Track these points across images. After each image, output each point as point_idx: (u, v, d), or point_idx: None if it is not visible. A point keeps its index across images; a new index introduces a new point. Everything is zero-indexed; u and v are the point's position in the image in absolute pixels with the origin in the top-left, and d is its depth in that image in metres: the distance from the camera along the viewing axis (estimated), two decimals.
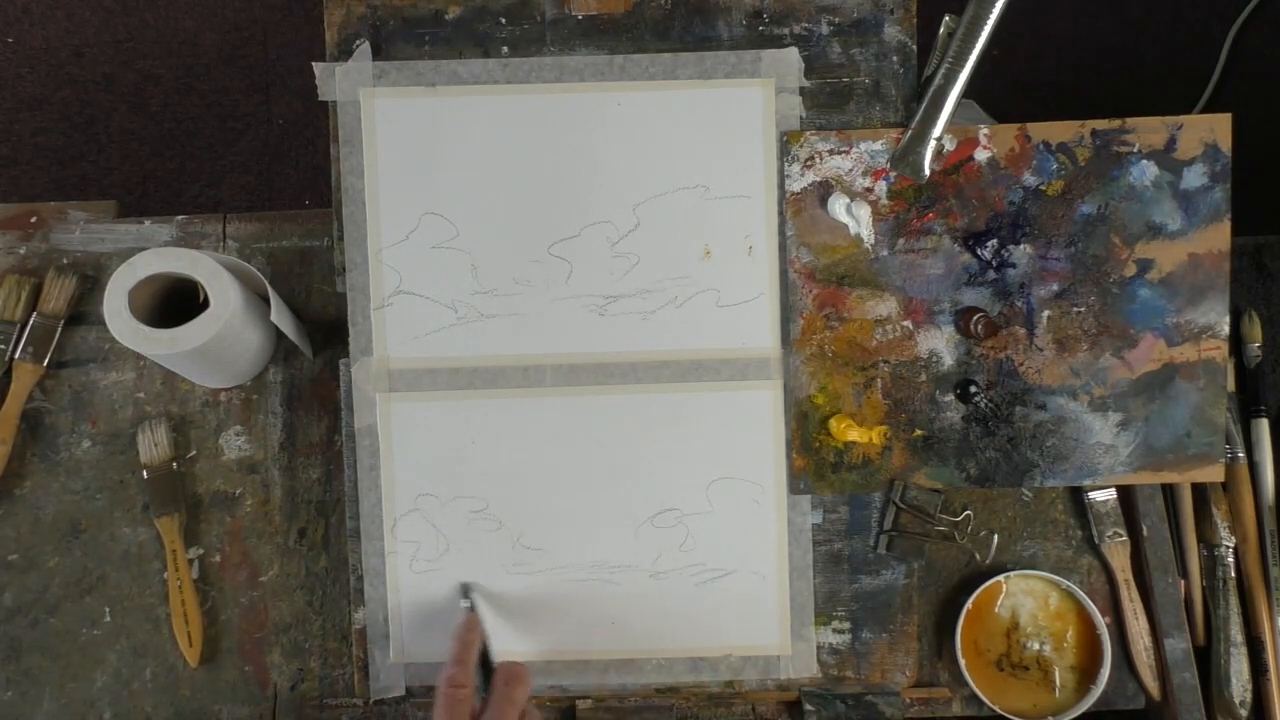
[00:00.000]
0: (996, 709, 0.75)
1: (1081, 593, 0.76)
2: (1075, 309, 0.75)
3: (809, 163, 0.76)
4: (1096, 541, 0.78)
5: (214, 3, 1.64)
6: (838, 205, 0.75)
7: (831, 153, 0.76)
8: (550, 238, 0.76)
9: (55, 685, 0.77)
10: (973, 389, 0.75)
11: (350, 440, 0.76)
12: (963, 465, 0.76)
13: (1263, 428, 0.80)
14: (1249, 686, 0.76)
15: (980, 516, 0.78)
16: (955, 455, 0.76)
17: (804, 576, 0.76)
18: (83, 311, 0.80)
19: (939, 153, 0.75)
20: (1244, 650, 0.77)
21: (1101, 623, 0.76)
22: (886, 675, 0.77)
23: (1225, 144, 0.74)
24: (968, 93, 0.75)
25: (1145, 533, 0.77)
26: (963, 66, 0.74)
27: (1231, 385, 0.80)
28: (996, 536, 0.77)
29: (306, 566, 0.79)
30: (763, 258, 0.76)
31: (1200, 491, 0.79)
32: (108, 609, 0.78)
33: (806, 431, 0.76)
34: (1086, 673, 0.76)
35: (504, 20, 0.76)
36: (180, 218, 0.82)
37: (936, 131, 0.74)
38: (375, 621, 0.76)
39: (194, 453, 0.80)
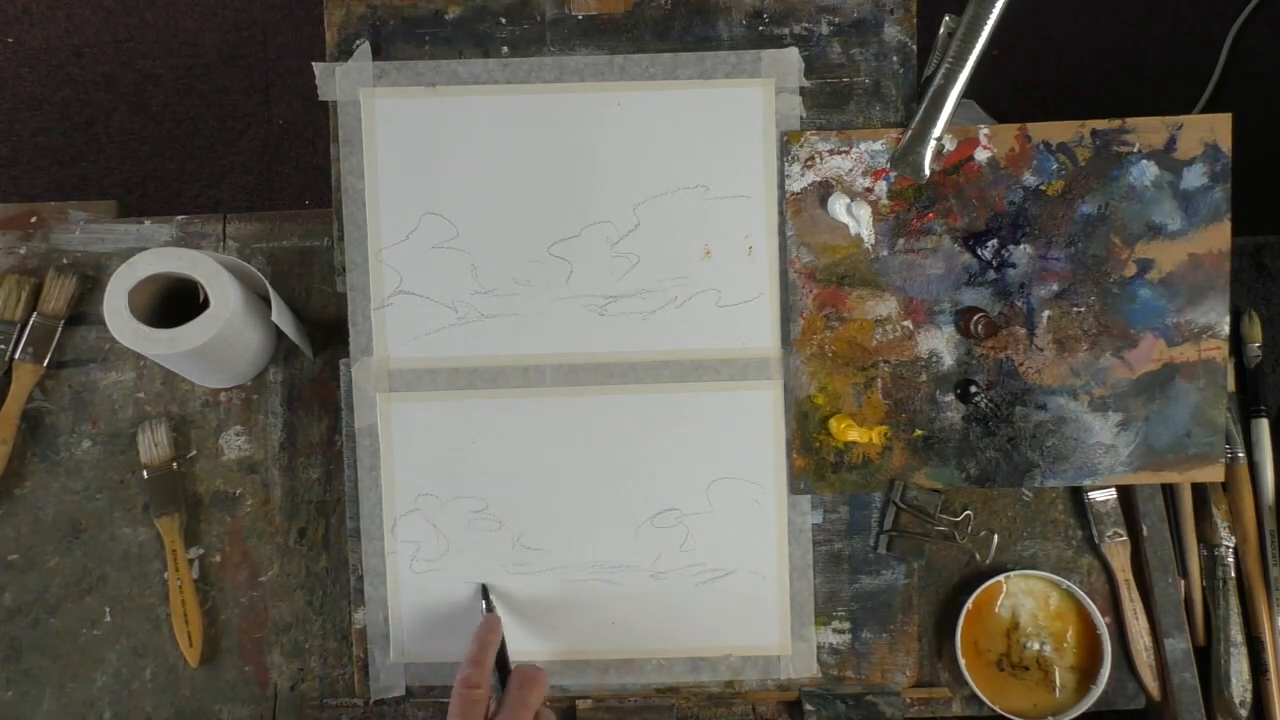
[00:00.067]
0: (996, 709, 0.75)
1: (1081, 593, 0.76)
2: (1075, 309, 0.75)
3: (809, 163, 0.76)
4: (1096, 541, 0.78)
5: (214, 3, 1.64)
6: (838, 205, 0.75)
7: (831, 153, 0.76)
8: (550, 238, 0.76)
9: (55, 685, 0.77)
10: (973, 389, 0.75)
11: (350, 440, 0.76)
12: (963, 465, 0.76)
13: (1263, 428, 0.80)
14: (1249, 686, 0.76)
15: (980, 516, 0.78)
16: (955, 455, 0.76)
17: (804, 576, 0.76)
18: (83, 311, 0.80)
19: (939, 153, 0.75)
20: (1244, 650, 0.77)
21: (1101, 623, 0.76)
22: (886, 675, 0.77)
23: (1225, 144, 0.74)
24: (968, 93, 0.75)
25: (1145, 533, 0.77)
26: (963, 66, 0.74)
27: (1231, 385, 0.80)
28: (996, 536, 0.77)
29: (306, 566, 0.79)
30: (763, 258, 0.76)
31: (1200, 491, 0.79)
32: (108, 609, 0.78)
33: (806, 431, 0.76)
34: (1086, 673, 0.76)
35: (504, 20, 0.76)
36: (180, 218, 0.82)
37: (936, 131, 0.74)
38: (375, 621, 0.76)
39: (194, 453, 0.80)
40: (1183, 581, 0.77)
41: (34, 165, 1.61)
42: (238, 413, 0.80)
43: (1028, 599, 0.77)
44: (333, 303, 0.81)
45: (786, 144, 0.76)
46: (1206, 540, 0.78)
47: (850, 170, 0.76)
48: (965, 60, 0.74)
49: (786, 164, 0.76)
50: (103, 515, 0.79)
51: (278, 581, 0.79)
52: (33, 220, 0.82)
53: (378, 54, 0.76)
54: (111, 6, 1.63)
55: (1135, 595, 0.77)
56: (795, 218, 0.76)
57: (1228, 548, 0.78)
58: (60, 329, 0.79)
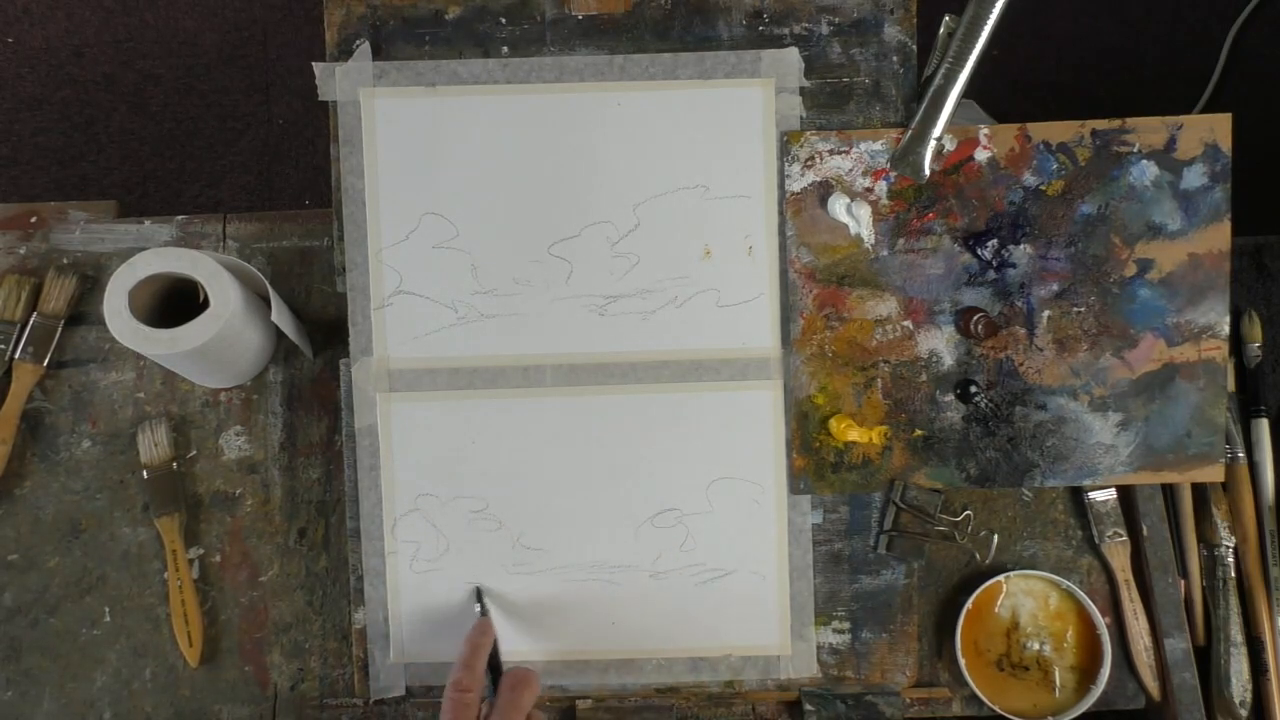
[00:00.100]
0: (996, 709, 0.75)
1: (1081, 593, 0.76)
2: (1075, 309, 0.75)
3: (809, 163, 0.76)
4: (1096, 541, 0.78)
5: (214, 3, 1.64)
6: (838, 205, 0.75)
7: (831, 153, 0.76)
8: (550, 238, 0.76)
9: (55, 685, 0.77)
10: (973, 389, 0.75)
11: (350, 440, 0.76)
12: (963, 465, 0.76)
13: (1263, 428, 0.80)
14: (1249, 686, 0.76)
15: (980, 516, 0.78)
16: (955, 455, 0.76)
17: (804, 576, 0.76)
18: (83, 311, 0.80)
19: (939, 153, 0.75)
20: (1244, 650, 0.77)
21: (1101, 623, 0.76)
22: (886, 675, 0.77)
23: (1225, 144, 0.74)
24: (968, 93, 0.75)
25: (1145, 533, 0.77)
26: (963, 66, 0.74)
27: (1231, 385, 0.80)
28: (996, 536, 0.77)
29: (306, 566, 0.79)
30: (763, 258, 0.76)
31: (1200, 491, 0.79)
32: (108, 609, 0.78)
33: (806, 431, 0.76)
34: (1086, 673, 0.76)
35: (504, 20, 0.76)
36: (180, 218, 0.82)
37: (936, 131, 0.74)
38: (375, 621, 0.76)
39: (194, 453, 0.80)
40: (1183, 581, 0.77)
41: (34, 165, 1.61)
42: (238, 413, 0.80)
43: (1028, 599, 0.77)
44: (333, 303, 0.81)
45: (786, 144, 0.76)
46: (1206, 540, 0.78)
47: (850, 170, 0.76)
48: (965, 60, 0.74)
49: (786, 164, 0.76)
50: (103, 515, 0.79)
51: (278, 581, 0.79)
52: (33, 220, 0.82)
53: (378, 54, 0.76)
54: (111, 6, 1.63)
55: (1135, 595, 0.77)
56: (795, 218, 0.76)
57: (1228, 548, 0.78)
58: (60, 329, 0.79)
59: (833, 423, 0.76)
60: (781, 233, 0.76)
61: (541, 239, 0.76)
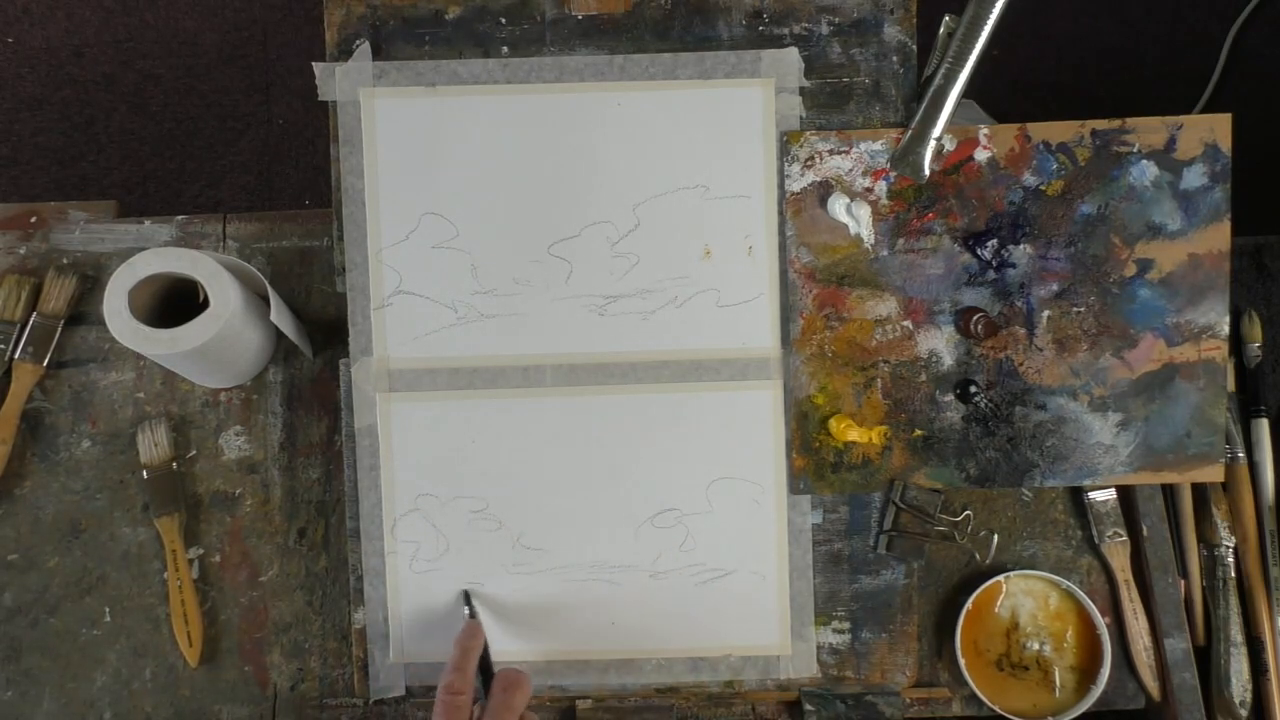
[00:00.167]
0: (996, 709, 0.75)
1: (1081, 593, 0.76)
2: (1075, 309, 0.75)
3: (809, 163, 0.76)
4: (1096, 541, 0.78)
5: (214, 3, 1.64)
6: (838, 205, 0.75)
7: (831, 153, 0.76)
8: (550, 238, 0.76)
9: (55, 685, 0.77)
10: (973, 389, 0.75)
11: (350, 440, 0.76)
12: (963, 465, 0.76)
13: (1263, 428, 0.80)
14: (1249, 686, 0.76)
15: (980, 516, 0.78)
16: (955, 455, 0.76)
17: (804, 576, 0.76)
18: (83, 311, 0.80)
19: (939, 153, 0.75)
20: (1244, 650, 0.77)
21: (1101, 623, 0.76)
22: (886, 675, 0.77)
23: (1225, 144, 0.74)
24: (968, 93, 0.75)
25: (1145, 533, 0.77)
26: (963, 66, 0.74)
27: (1231, 385, 0.80)
28: (996, 536, 0.77)
29: (306, 566, 0.79)
30: (763, 258, 0.76)
31: (1200, 491, 0.79)
32: (108, 609, 0.78)
33: (806, 431, 0.76)
34: (1086, 673, 0.76)
35: (504, 20, 0.76)
36: (180, 218, 0.82)
37: (936, 131, 0.74)
38: (375, 621, 0.76)
39: (194, 453, 0.80)
40: (1183, 581, 0.77)
41: (34, 165, 1.61)
42: (238, 413, 0.80)
43: (1027, 599, 0.77)
44: (333, 303, 0.81)
45: (786, 144, 0.76)
46: (1206, 540, 0.78)
47: (850, 170, 0.76)
48: (965, 60, 0.74)
49: (786, 164, 0.76)
50: (103, 515, 0.79)
51: (278, 581, 0.79)
52: (33, 220, 0.82)
53: (378, 54, 0.76)
54: (111, 6, 1.63)
55: (1135, 595, 0.77)
56: (795, 218, 0.76)
57: (1228, 548, 0.78)
58: (60, 329, 0.79)
59: (832, 423, 0.76)
60: (781, 233, 0.76)
61: (541, 239, 0.76)
